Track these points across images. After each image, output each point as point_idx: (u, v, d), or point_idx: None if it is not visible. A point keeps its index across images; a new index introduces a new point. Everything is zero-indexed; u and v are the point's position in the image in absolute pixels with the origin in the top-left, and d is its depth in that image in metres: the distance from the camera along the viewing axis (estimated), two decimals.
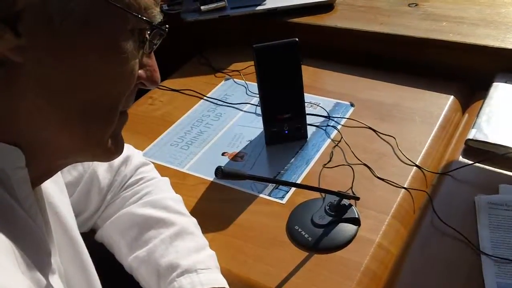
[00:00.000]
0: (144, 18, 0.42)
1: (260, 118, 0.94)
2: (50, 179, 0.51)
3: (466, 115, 0.94)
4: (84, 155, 0.47)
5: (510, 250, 0.65)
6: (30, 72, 0.39)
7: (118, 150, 0.48)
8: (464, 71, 1.01)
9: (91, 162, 0.67)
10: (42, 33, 0.38)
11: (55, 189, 0.55)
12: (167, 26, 0.45)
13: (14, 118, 0.41)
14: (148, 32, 0.43)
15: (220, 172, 0.62)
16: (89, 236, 0.68)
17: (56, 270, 0.48)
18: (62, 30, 0.38)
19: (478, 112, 0.89)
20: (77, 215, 0.63)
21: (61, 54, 0.39)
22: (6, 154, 0.41)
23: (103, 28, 0.40)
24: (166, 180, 0.74)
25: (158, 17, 0.44)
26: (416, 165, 0.82)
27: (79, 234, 0.57)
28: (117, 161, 0.70)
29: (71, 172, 0.65)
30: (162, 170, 0.79)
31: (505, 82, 0.94)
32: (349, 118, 0.94)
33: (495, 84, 0.94)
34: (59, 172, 0.57)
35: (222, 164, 0.86)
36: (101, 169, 0.68)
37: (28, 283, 0.38)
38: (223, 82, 1.11)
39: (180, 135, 0.95)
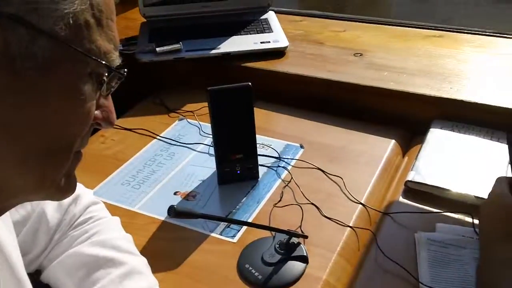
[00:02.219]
0: (104, 62, 0.44)
1: (213, 158, 0.96)
2: None
3: (406, 158, 1.01)
4: (36, 194, 0.47)
5: (447, 283, 0.70)
6: None
7: (71, 189, 0.49)
8: (404, 117, 1.08)
9: (39, 201, 0.67)
10: (4, 74, 0.39)
11: (3, 228, 0.54)
12: (125, 70, 0.47)
13: None
14: (106, 74, 0.45)
15: (173, 211, 0.63)
16: (34, 277, 0.67)
17: None
18: (24, 72, 0.39)
19: (416, 156, 0.95)
20: (23, 255, 0.62)
21: (22, 95, 0.40)
22: None
23: (64, 71, 0.41)
24: (116, 219, 0.75)
25: (117, 61, 0.46)
26: (361, 204, 0.86)
27: (26, 275, 0.56)
28: (66, 200, 0.70)
29: (19, 210, 0.65)
30: (112, 210, 0.79)
31: (441, 128, 1.01)
32: (299, 160, 0.98)
33: (431, 130, 1.01)
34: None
35: (174, 203, 0.87)
36: (50, 208, 0.68)
37: None
38: (176, 122, 1.13)
39: (132, 174, 0.96)
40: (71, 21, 0.40)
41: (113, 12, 0.45)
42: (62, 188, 0.48)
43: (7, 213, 0.56)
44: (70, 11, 0.40)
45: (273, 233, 0.79)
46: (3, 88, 0.39)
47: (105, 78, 0.45)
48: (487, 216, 0.70)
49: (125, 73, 0.47)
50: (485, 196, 0.75)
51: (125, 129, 1.11)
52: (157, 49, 1.24)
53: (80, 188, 0.73)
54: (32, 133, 0.42)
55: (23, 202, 0.51)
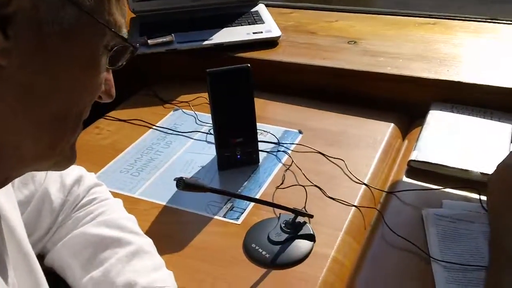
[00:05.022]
0: (121, 35, 0.44)
1: (211, 146, 0.95)
2: (3, 195, 0.49)
3: (406, 141, 1.00)
4: (46, 162, 0.47)
5: (457, 256, 0.69)
6: (11, 75, 0.39)
7: (74, 158, 0.49)
8: (402, 101, 1.07)
9: (43, 180, 0.65)
10: (30, 39, 0.38)
11: (7, 204, 0.52)
12: (137, 43, 0.47)
13: None
14: (115, 48, 0.45)
15: (182, 182, 0.61)
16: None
17: (11, 284, 0.45)
18: (49, 38, 0.39)
19: (418, 136, 0.94)
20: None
21: (44, 61, 0.40)
22: None
23: (85, 41, 0.42)
24: (119, 201, 0.73)
25: (126, 36, 0.46)
26: (365, 184, 0.85)
27: (33, 251, 0.54)
28: (69, 180, 0.68)
29: (22, 190, 0.63)
30: (113, 196, 0.77)
31: (440, 110, 1.01)
32: (299, 144, 0.97)
33: (431, 112, 1.01)
34: (11, 188, 0.55)
35: (175, 189, 0.85)
36: (53, 188, 0.66)
37: None
38: (172, 112, 1.11)
39: (130, 162, 0.93)
40: None
41: None
42: (68, 156, 0.48)
43: (12, 191, 0.55)
44: None
45: (278, 213, 0.78)
46: (27, 52, 0.39)
47: (114, 50, 0.45)
48: (499, 185, 0.69)
49: (138, 47, 0.47)
50: (491, 173, 0.74)
51: (120, 120, 1.08)
52: (149, 41, 1.22)
53: (82, 170, 0.72)
54: (50, 98, 0.42)
55: (31, 170, 0.50)
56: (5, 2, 0.36)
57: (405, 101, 1.07)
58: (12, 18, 0.37)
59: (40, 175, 0.66)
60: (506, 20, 1.25)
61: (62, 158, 0.47)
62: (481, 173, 0.83)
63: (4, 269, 0.44)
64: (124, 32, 0.45)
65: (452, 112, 1.00)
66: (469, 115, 0.98)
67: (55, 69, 0.41)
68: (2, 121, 0.40)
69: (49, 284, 0.56)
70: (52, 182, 0.66)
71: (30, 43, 0.38)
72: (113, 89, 0.49)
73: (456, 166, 0.85)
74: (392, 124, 1.03)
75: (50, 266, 0.65)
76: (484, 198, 0.78)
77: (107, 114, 1.11)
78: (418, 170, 0.88)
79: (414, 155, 0.89)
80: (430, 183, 0.85)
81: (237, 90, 0.86)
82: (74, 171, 0.71)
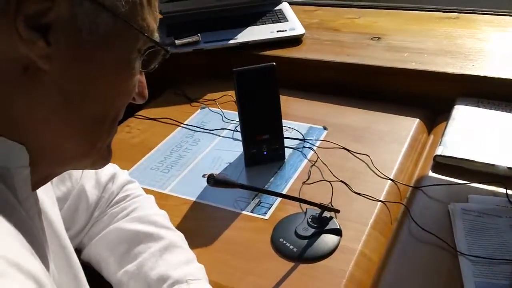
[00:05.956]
0: (154, 39, 0.46)
1: (238, 143, 0.97)
2: (42, 191, 0.52)
3: (432, 136, 1.00)
4: (84, 161, 0.49)
5: (484, 250, 0.69)
6: (53, 80, 0.41)
7: (110, 157, 0.52)
8: (427, 96, 1.08)
9: (79, 178, 0.68)
10: (69, 45, 0.41)
11: (47, 200, 0.55)
12: (169, 47, 0.49)
13: (29, 120, 0.42)
14: (149, 51, 0.47)
15: (212, 179, 0.63)
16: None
17: (51, 276, 0.48)
18: (86, 44, 0.41)
19: (443, 131, 0.95)
20: None
21: (83, 66, 0.42)
22: (12, 152, 0.43)
23: (121, 45, 0.44)
24: (152, 197, 0.76)
25: (158, 39, 0.48)
26: (391, 179, 0.86)
27: (71, 244, 0.57)
28: (104, 177, 0.71)
29: (60, 187, 0.66)
30: (145, 192, 0.80)
31: (466, 105, 1.01)
32: (324, 140, 0.98)
33: (456, 106, 1.01)
34: (50, 185, 0.58)
35: (204, 185, 0.88)
36: (89, 185, 0.69)
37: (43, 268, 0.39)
38: (199, 110, 1.14)
39: (160, 160, 0.96)
40: None
41: None
42: (105, 156, 0.50)
43: (51, 187, 0.58)
44: None
45: (305, 208, 0.79)
46: (67, 57, 0.41)
47: (147, 54, 0.47)
48: None
49: (170, 50, 0.49)
50: None
51: (150, 118, 1.11)
52: (176, 41, 1.25)
53: (116, 167, 0.75)
54: (88, 102, 0.44)
55: (71, 169, 0.54)
56: (45, 11, 0.39)
57: (430, 96, 1.08)
58: (52, 25, 0.39)
59: (76, 172, 0.69)
60: None
61: (99, 158, 0.49)
62: (508, 168, 0.83)
63: (46, 260, 0.47)
64: (156, 36, 0.47)
65: (478, 106, 1.00)
66: (495, 109, 0.98)
67: (93, 73, 0.43)
68: (44, 124, 0.43)
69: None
70: (88, 179, 0.70)
71: (69, 49, 0.41)
72: (146, 91, 0.51)
73: (482, 161, 0.85)
74: (417, 119, 1.03)
75: (87, 261, 0.69)
76: (510, 192, 0.78)
77: (137, 113, 1.14)
78: (444, 165, 0.88)
79: (440, 150, 0.89)
80: (456, 178, 0.85)
81: (263, 88, 0.88)
82: (108, 168, 0.74)
